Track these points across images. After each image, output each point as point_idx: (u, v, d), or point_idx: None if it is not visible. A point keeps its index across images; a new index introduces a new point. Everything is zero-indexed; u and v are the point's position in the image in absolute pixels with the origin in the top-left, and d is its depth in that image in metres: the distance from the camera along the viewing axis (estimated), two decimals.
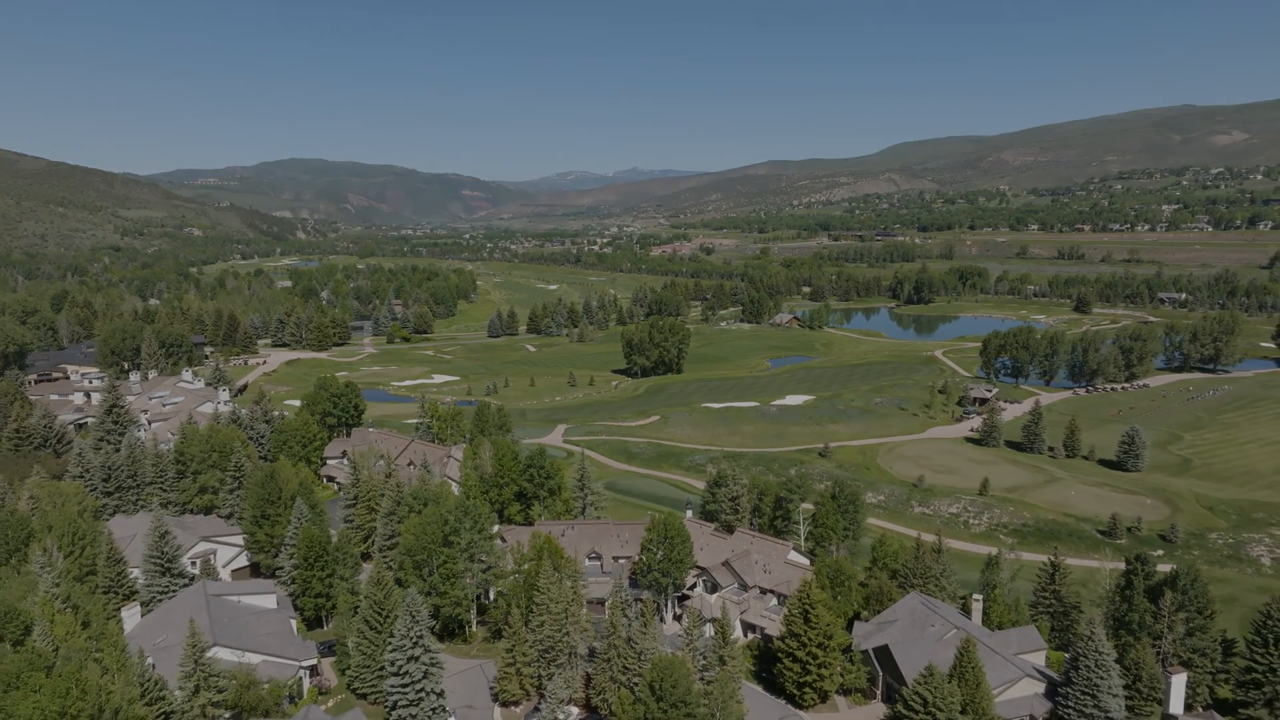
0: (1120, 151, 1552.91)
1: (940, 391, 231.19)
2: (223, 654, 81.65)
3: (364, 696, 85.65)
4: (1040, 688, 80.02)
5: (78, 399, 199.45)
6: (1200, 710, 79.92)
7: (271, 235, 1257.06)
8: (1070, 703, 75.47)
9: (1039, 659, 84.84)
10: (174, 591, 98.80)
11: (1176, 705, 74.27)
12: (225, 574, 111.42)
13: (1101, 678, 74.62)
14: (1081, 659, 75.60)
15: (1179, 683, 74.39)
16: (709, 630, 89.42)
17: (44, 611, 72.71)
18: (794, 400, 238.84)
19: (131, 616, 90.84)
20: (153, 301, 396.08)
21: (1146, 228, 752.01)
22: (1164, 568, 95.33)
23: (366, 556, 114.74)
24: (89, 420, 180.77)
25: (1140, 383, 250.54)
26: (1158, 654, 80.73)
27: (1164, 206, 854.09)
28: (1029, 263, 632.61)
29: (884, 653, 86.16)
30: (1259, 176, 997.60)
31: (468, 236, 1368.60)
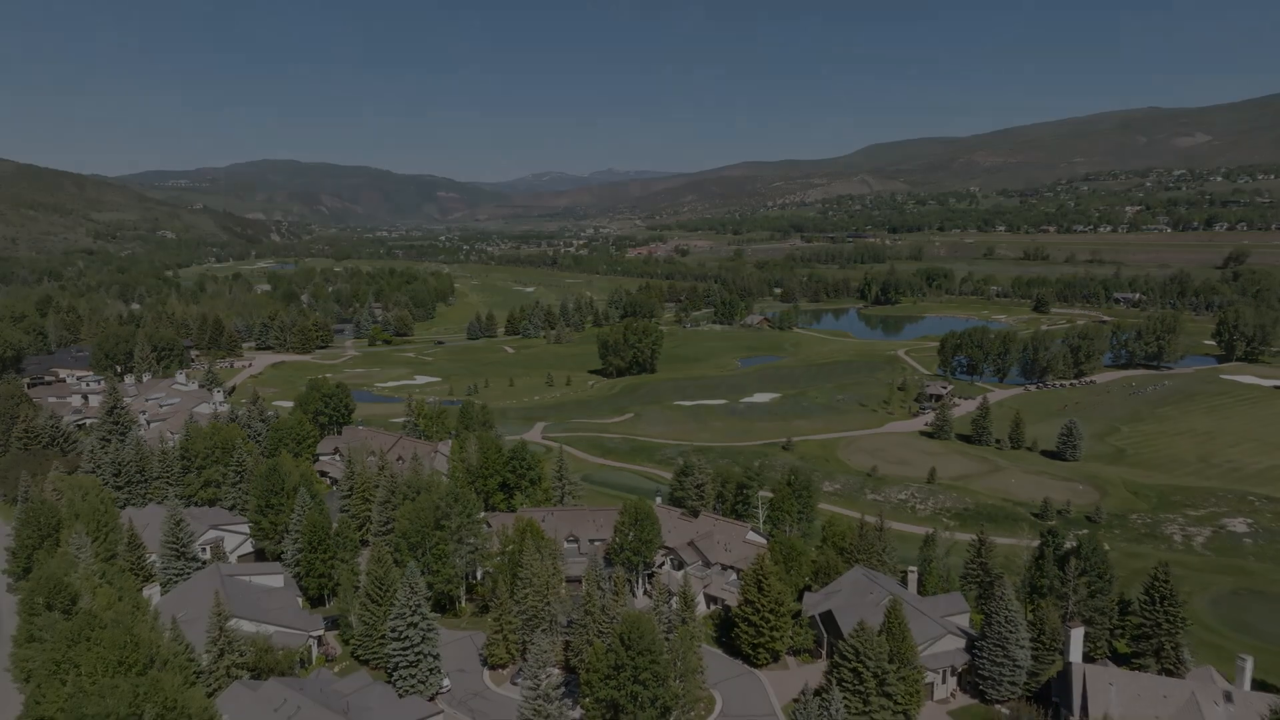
0: (1087, 153, 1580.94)
1: (899, 389, 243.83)
2: (241, 625, 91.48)
3: (366, 662, 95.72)
4: (961, 643, 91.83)
5: (75, 401, 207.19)
6: (1099, 660, 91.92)
7: (246, 238, 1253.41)
8: (984, 654, 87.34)
9: (963, 620, 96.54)
10: (189, 574, 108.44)
11: (1075, 655, 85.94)
12: (232, 559, 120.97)
13: (1010, 632, 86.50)
14: (994, 616, 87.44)
15: (1077, 635, 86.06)
16: (675, 603, 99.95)
17: (86, 585, 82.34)
18: (761, 398, 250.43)
19: (152, 596, 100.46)
20: (134, 306, 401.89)
21: (1109, 229, 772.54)
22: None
23: (363, 543, 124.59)
24: (89, 421, 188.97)
25: (1088, 379, 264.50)
26: (1062, 613, 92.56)
27: (1127, 208, 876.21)
28: (995, 263, 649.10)
29: (829, 617, 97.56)
30: (1218, 179, 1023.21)
31: (444, 238, 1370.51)
